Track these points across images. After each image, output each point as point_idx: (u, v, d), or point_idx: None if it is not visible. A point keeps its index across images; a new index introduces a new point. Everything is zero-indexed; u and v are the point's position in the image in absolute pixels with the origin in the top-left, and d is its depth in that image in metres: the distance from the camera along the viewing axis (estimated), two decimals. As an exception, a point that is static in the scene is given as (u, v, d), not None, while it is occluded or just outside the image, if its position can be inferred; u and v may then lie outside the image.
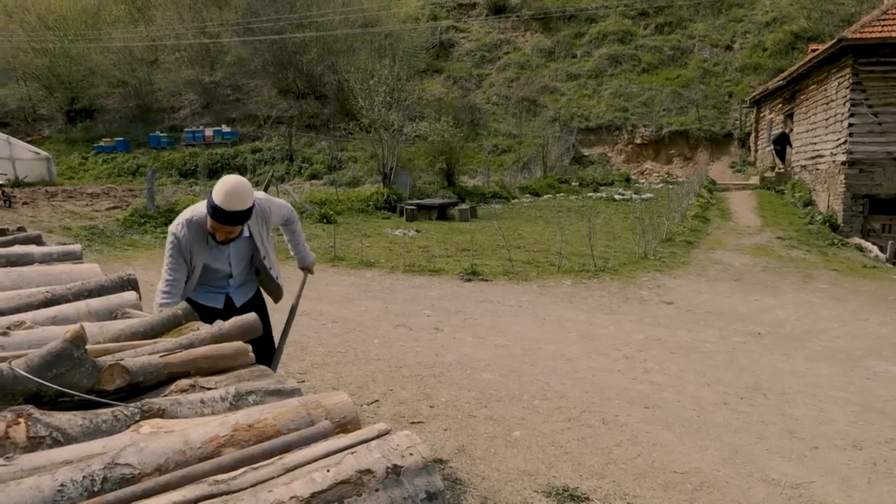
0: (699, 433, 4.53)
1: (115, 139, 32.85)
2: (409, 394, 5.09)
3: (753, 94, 25.93)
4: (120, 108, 36.23)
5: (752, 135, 27.03)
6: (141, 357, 1.70)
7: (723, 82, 29.32)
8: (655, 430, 4.55)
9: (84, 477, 1.15)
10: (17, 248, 3.30)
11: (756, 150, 26.51)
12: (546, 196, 22.08)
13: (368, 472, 1.23)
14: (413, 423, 4.52)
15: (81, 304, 2.28)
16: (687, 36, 31.86)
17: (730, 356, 6.43)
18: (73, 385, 1.56)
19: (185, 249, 3.23)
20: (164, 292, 3.24)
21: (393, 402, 4.91)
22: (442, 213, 17.50)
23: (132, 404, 1.48)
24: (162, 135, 32.60)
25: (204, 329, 1.93)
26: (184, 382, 1.70)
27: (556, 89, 31.41)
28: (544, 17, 34.79)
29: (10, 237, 3.75)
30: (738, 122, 27.89)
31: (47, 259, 3.25)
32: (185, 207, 3.90)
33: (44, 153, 27.64)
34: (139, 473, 1.18)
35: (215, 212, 3.07)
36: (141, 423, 1.40)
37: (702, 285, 9.78)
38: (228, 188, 3.05)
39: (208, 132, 32.12)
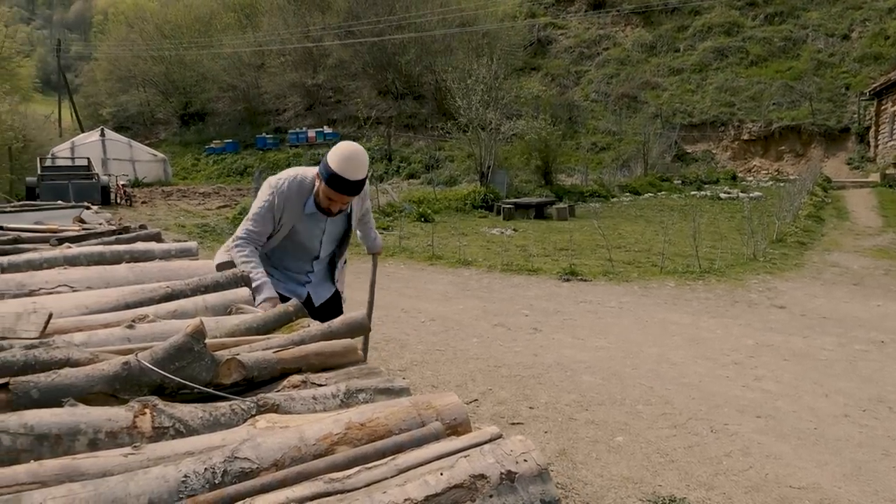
0: (817, 446, 4.26)
1: (225, 141, 34.48)
2: (508, 394, 5.05)
3: (874, 85, 24.32)
4: (229, 112, 37.95)
5: (872, 129, 25.34)
6: (256, 352, 1.74)
7: (839, 74, 27.65)
8: (769, 441, 4.31)
9: (206, 469, 1.18)
10: (140, 245, 3.48)
11: (877, 145, 24.84)
12: (647, 195, 21.50)
13: (482, 477, 1.20)
14: (513, 423, 4.48)
15: (199, 300, 2.36)
16: (799, 26, 30.26)
17: (850, 365, 6.03)
18: (194, 378, 1.61)
19: (279, 208, 3.04)
20: (242, 239, 3.09)
21: (492, 401, 4.88)
22: (539, 211, 17.35)
23: (249, 399, 1.51)
24: (268, 136, 33.92)
25: (315, 326, 1.96)
26: (296, 378, 1.73)
27: (657, 85, 30.54)
28: (645, 11, 33.91)
29: (133, 234, 3.97)
30: (856, 115, 26.22)
31: (166, 255, 3.40)
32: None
33: (160, 155, 29.33)
34: (257, 468, 1.20)
35: (336, 181, 2.88)
36: (257, 417, 1.43)
37: (817, 289, 9.23)
38: (349, 155, 2.88)
39: (311, 133, 33.17)
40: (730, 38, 30.84)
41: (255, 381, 1.73)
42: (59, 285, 2.69)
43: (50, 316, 1.84)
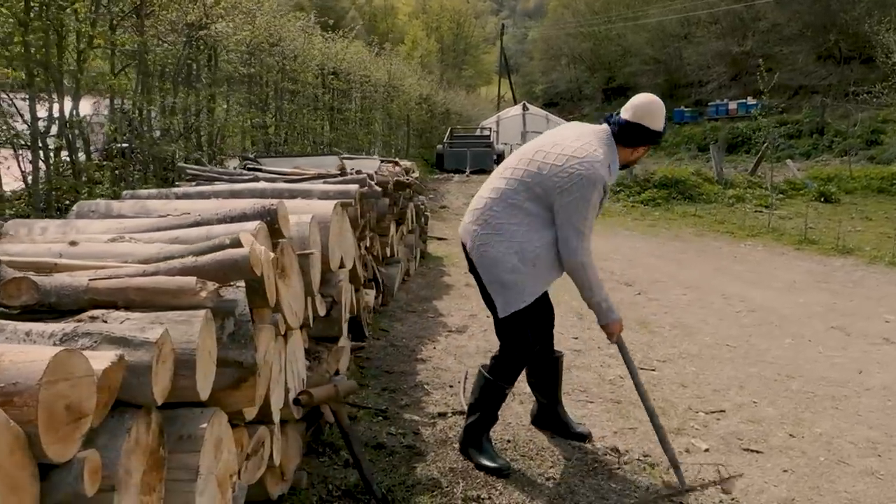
0: None
1: (641, 115, 34.23)
2: (774, 412, 3.88)
3: None
4: (650, 85, 37.33)
5: None
6: (62, 276, 1.51)
7: None
8: None
9: None
10: (304, 185, 3.51)
11: None
12: None
13: None
14: (746, 449, 3.42)
15: (203, 230, 2.22)
16: None
17: None
18: (-28, 292, 1.46)
19: (599, 196, 2.82)
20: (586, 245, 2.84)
21: (742, 417, 3.80)
22: None
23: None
24: (686, 109, 32.69)
25: (178, 259, 1.64)
26: (87, 314, 1.45)
27: None
28: None
29: (341, 179, 4.05)
30: None
31: (323, 196, 3.37)
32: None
33: (570, 129, 30.47)
34: None
35: (657, 136, 2.89)
36: None
37: None
38: (657, 105, 2.90)
39: (732, 105, 30.86)
40: None
41: (61, 310, 1.51)
42: (183, 214, 2.81)
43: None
